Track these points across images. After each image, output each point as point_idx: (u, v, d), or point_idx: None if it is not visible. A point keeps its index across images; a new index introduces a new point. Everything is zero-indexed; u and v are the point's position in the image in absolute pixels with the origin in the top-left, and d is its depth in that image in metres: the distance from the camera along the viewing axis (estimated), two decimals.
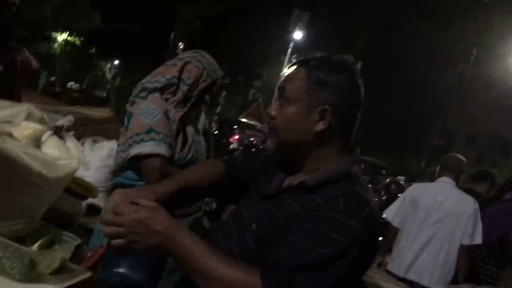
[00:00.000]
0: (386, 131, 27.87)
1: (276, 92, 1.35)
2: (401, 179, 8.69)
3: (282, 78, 1.31)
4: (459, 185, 3.46)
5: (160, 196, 1.26)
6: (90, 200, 4.00)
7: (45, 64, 34.12)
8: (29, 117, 1.25)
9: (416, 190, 3.62)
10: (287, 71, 1.30)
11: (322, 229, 1.08)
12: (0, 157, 0.98)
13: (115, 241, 1.05)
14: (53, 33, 27.01)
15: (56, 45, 31.11)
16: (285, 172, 1.31)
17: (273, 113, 1.27)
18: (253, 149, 8.95)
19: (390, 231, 3.54)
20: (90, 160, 4.22)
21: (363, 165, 10.01)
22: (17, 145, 1.04)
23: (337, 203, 1.12)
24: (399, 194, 6.80)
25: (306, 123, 1.21)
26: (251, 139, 11.16)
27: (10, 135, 1.13)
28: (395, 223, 3.50)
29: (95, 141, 4.40)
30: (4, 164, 0.99)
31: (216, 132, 9.72)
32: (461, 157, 3.62)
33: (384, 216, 3.66)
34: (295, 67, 1.27)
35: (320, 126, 1.21)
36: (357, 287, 1.20)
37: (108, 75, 39.08)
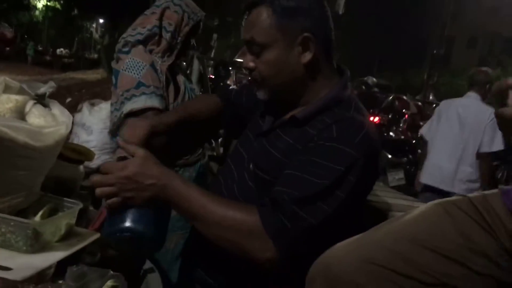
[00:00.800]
0: (386, 48, 27.43)
1: (244, 46, 1.24)
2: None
3: (243, 29, 1.19)
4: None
5: (159, 128, 1.23)
6: (98, 161, 4.05)
7: (30, 34, 33.58)
8: (7, 89, 1.21)
9: (444, 105, 3.91)
10: (245, 19, 1.19)
11: (317, 159, 1.06)
12: None
13: (110, 201, 1.05)
14: (31, 0, 26.29)
15: (37, 12, 30.39)
16: (279, 108, 1.27)
17: (251, 64, 1.19)
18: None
19: (425, 146, 3.88)
20: (91, 124, 4.21)
21: (363, 86, 9.89)
22: None
23: (330, 132, 1.09)
24: (404, 110, 6.80)
25: (292, 59, 1.15)
26: (249, 78, 11.00)
27: None
28: (427, 137, 3.83)
29: (92, 104, 4.38)
30: None
31: (212, 76, 9.60)
32: (485, 69, 3.79)
33: (419, 133, 4.13)
34: (252, 10, 1.16)
35: (307, 56, 1.14)
36: (361, 209, 1.20)
37: (96, 35, 38.33)
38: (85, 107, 4.31)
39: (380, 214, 1.33)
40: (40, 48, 33.47)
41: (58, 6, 29.30)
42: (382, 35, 26.95)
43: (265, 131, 1.25)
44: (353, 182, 1.06)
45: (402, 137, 5.69)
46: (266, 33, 1.14)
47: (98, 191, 1.06)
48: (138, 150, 1.09)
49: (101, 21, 35.91)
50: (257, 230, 1.03)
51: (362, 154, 1.08)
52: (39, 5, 29.01)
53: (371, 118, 6.49)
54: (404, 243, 0.75)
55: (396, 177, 4.49)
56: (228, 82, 10.21)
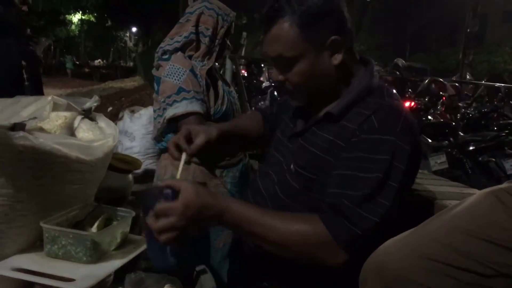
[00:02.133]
0: (418, 30, 26.69)
1: (270, 63, 1.19)
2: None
3: (266, 46, 1.16)
4: None
5: (212, 136, 1.24)
6: (143, 166, 4.13)
7: (68, 48, 34.67)
8: (55, 107, 1.26)
9: None
10: (264, 35, 1.15)
11: (365, 154, 1.06)
12: (38, 153, 1.00)
13: (166, 238, 1.00)
14: (67, 16, 27.14)
15: (73, 26, 31.37)
16: (310, 108, 1.27)
17: (281, 78, 1.18)
18: None
19: None
20: (133, 131, 4.33)
21: (397, 72, 9.65)
22: (50, 137, 1.05)
23: (371, 123, 1.09)
24: (441, 92, 6.61)
25: (324, 64, 1.14)
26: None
27: (41, 129, 1.16)
28: None
29: (133, 111, 4.50)
30: (44, 159, 1.02)
31: (245, 74, 9.63)
32: None
33: None
34: (272, 25, 1.12)
35: (338, 57, 1.14)
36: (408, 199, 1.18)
37: (130, 44, 39.14)
38: (126, 114, 4.43)
39: (428, 203, 1.31)
40: (77, 62, 34.52)
41: (92, 18, 30.11)
42: (413, 17, 26.24)
43: (300, 131, 1.25)
44: (402, 169, 1.06)
45: (441, 120, 5.54)
46: (294, 47, 1.11)
47: (164, 237, 0.99)
48: (187, 186, 1.03)
49: (134, 29, 36.64)
50: (326, 240, 1.03)
51: (404, 140, 1.07)
52: (75, 19, 29.89)
53: (407, 103, 6.35)
54: (458, 235, 0.73)
55: (438, 161, 4.37)
56: (261, 78, 10.22)
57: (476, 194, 0.79)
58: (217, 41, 2.11)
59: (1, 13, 2.88)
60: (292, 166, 1.19)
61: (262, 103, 7.49)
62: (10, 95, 1.32)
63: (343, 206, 1.04)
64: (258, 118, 1.53)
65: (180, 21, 2.17)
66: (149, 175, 3.29)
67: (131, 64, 31.34)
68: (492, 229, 0.72)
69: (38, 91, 3.08)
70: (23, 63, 2.86)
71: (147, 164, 4.11)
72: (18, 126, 0.97)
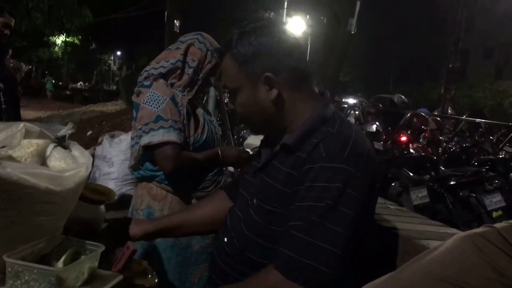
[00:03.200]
0: (401, 64, 27.33)
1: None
2: (423, 111, 8.52)
3: (220, 76, 1.32)
4: None
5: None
6: (119, 192, 4.03)
7: (50, 69, 34.44)
8: (27, 134, 1.22)
9: None
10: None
11: (313, 183, 1.08)
12: (4, 184, 0.96)
13: None
14: (50, 38, 27.08)
15: (56, 48, 31.29)
16: (270, 145, 1.31)
17: (232, 107, 1.29)
18: None
19: None
20: (112, 156, 4.27)
21: (380, 105, 9.80)
22: (18, 167, 1.01)
23: (318, 151, 1.11)
24: (423, 127, 6.70)
25: (260, 99, 1.21)
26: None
27: (10, 158, 1.12)
28: None
29: (112, 136, 4.44)
30: (11, 189, 0.97)
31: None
32: None
33: None
34: (221, 60, 1.27)
35: (273, 93, 1.19)
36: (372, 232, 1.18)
37: (114, 68, 39.16)
38: (105, 139, 4.37)
39: (406, 242, 1.29)
40: (60, 83, 34.28)
41: (76, 41, 30.07)
42: (396, 51, 26.89)
43: (262, 166, 1.28)
44: (354, 195, 1.06)
45: (423, 154, 5.60)
46: (233, 79, 1.24)
47: None
48: None
49: (118, 53, 36.70)
50: (279, 281, 1.06)
51: (354, 166, 1.08)
52: (58, 41, 29.82)
53: (401, 137, 6.42)
54: (433, 281, 0.72)
55: (420, 195, 4.38)
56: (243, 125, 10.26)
57: (452, 238, 0.77)
58: (201, 75, 2.11)
59: None
60: (254, 200, 1.22)
61: (244, 131, 7.49)
62: None
63: (292, 238, 1.07)
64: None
65: (169, 47, 2.17)
66: (125, 201, 3.21)
67: (114, 87, 31.26)
68: (468, 275, 0.71)
69: (15, 114, 3.03)
70: (1, 85, 2.81)
71: (124, 190, 4.04)
72: None
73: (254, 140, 6.12)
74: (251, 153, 2.27)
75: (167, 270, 1.99)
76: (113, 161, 4.19)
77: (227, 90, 1.29)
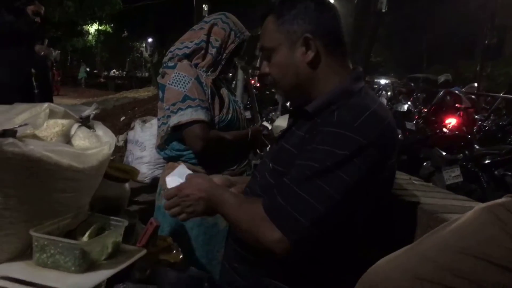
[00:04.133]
0: (435, 42, 26.55)
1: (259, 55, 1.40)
2: (456, 89, 8.27)
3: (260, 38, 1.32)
4: None
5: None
6: (152, 176, 4.10)
7: (85, 58, 35.16)
8: (52, 114, 1.26)
9: None
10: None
11: (318, 146, 1.09)
12: (28, 160, 0.99)
13: (181, 217, 1.30)
14: (84, 27, 27.60)
15: (90, 37, 31.88)
16: (295, 114, 1.35)
17: (266, 70, 1.29)
18: None
19: None
20: (144, 140, 4.35)
21: (412, 83, 9.56)
22: (41, 144, 1.04)
23: (331, 117, 1.12)
24: (457, 105, 6.51)
25: (296, 60, 1.22)
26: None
27: (35, 136, 1.15)
28: None
29: (144, 121, 4.51)
30: (34, 166, 1.00)
31: (258, 85, 9.63)
32: None
33: None
34: (262, 22, 1.29)
35: (310, 55, 1.20)
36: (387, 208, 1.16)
37: (145, 54, 39.59)
38: (137, 124, 4.45)
39: (429, 216, 1.26)
40: (95, 71, 34.99)
41: (109, 29, 30.53)
42: (430, 29, 26.09)
43: (283, 132, 1.33)
44: (360, 167, 1.06)
45: (456, 132, 5.45)
46: (272, 37, 1.25)
47: (170, 213, 1.31)
48: (192, 175, 1.36)
49: (149, 40, 37.06)
50: (259, 215, 1.10)
51: (363, 136, 1.07)
52: (92, 30, 30.36)
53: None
54: (451, 253, 0.70)
55: (452, 174, 4.28)
56: (274, 90, 10.21)
57: (472, 210, 0.75)
58: (224, 55, 2.11)
59: (13, 22, 2.92)
60: (270, 164, 1.26)
61: (273, 113, 7.47)
62: (18, 101, 1.32)
63: (282, 184, 1.10)
64: None
65: (193, 27, 2.17)
66: (157, 184, 3.28)
67: (146, 74, 31.66)
68: (487, 247, 0.68)
69: (47, 99, 3.11)
70: (33, 71, 2.89)
71: (156, 173, 4.11)
72: (8, 133, 0.96)
73: (282, 122, 6.10)
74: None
75: (195, 248, 2.02)
76: (145, 145, 4.27)
77: (262, 53, 1.30)
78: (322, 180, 1.05)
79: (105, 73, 33.47)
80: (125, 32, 33.33)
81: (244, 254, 1.26)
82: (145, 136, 4.27)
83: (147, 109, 9.51)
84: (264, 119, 6.23)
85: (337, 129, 1.08)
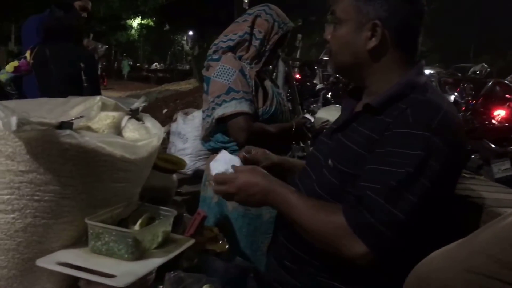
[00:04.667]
0: (482, 33, 25.55)
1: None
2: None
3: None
4: None
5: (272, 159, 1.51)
6: (194, 167, 4.19)
7: (128, 52, 35.89)
8: (104, 107, 1.30)
9: None
10: None
11: (394, 149, 1.04)
12: (83, 151, 1.03)
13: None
14: (127, 21, 28.21)
15: (133, 31, 32.59)
16: (351, 104, 1.29)
17: (327, 37, 1.25)
18: (340, 85, 8.72)
19: None
20: (186, 132, 4.43)
21: (459, 74, 9.25)
22: (96, 136, 1.08)
23: (405, 117, 1.06)
24: (507, 95, 6.26)
25: (358, 42, 1.17)
26: (336, 75, 10.86)
27: (89, 128, 1.20)
28: None
29: (186, 114, 4.59)
30: (89, 157, 1.04)
31: (298, 76, 9.58)
32: None
33: None
34: None
35: (372, 43, 1.15)
36: (452, 204, 1.12)
37: (186, 47, 40.08)
38: (180, 116, 4.53)
39: (481, 210, 1.23)
40: (137, 64, 35.70)
41: (151, 23, 31.06)
42: (478, 18, 25.12)
43: (340, 126, 1.26)
44: (437, 168, 1.02)
45: (506, 124, 5.24)
46: (343, 9, 1.20)
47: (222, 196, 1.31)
48: (245, 166, 1.33)
49: (190, 33, 37.44)
50: (343, 228, 1.05)
51: (441, 137, 1.03)
52: (134, 24, 30.98)
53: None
54: (508, 246, 0.68)
55: (502, 167, 4.13)
56: (315, 81, 10.14)
57: None
58: (268, 46, 2.11)
59: (62, 17, 3.02)
60: (330, 161, 1.20)
61: (314, 105, 7.42)
62: (70, 95, 1.37)
63: (367, 197, 1.04)
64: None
65: (237, 20, 2.19)
66: (199, 176, 3.33)
67: (187, 67, 32.08)
68: None
69: (96, 93, 3.20)
70: (82, 65, 2.98)
71: (198, 165, 4.18)
72: (65, 125, 1.00)
73: (324, 114, 6.05)
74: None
75: (239, 239, 2.05)
76: (187, 137, 4.34)
77: (330, 16, 1.26)
78: (407, 190, 1.01)
79: (148, 66, 34.12)
80: (167, 25, 33.81)
81: (300, 255, 1.23)
82: (187, 128, 4.35)
83: (188, 101, 9.66)
84: (305, 110, 6.20)
85: (414, 130, 1.04)
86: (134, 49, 39.00)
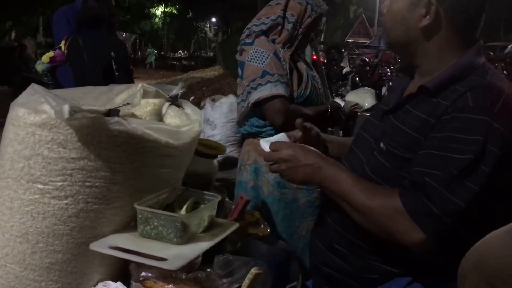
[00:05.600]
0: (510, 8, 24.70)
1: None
2: None
3: None
4: None
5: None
6: (225, 154, 4.23)
7: (152, 40, 36.13)
8: (145, 94, 1.31)
9: None
10: None
11: (455, 134, 1.01)
12: (131, 138, 1.04)
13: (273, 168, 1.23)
14: (151, 10, 28.36)
15: (157, 19, 32.76)
16: (403, 85, 1.25)
17: (384, 10, 1.22)
18: (367, 68, 8.60)
19: None
20: (215, 119, 4.45)
21: (491, 53, 8.98)
22: (142, 122, 1.10)
23: (465, 101, 1.03)
24: None
25: (411, 19, 1.13)
26: (363, 57, 10.72)
27: (133, 115, 1.21)
28: None
29: (213, 100, 4.61)
30: (137, 143, 1.06)
31: (325, 60, 9.48)
32: None
33: None
34: None
35: (426, 21, 1.11)
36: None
37: (210, 34, 40.11)
38: (207, 103, 4.55)
39: None
40: (162, 53, 35.95)
41: (174, 11, 31.15)
42: None
43: (392, 108, 1.22)
44: (496, 153, 0.99)
45: None
46: None
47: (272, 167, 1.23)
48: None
49: (213, 20, 37.42)
50: (399, 213, 1.03)
51: (502, 122, 1.00)
52: (158, 12, 31.11)
53: None
54: None
55: None
56: (342, 64, 10.02)
57: None
58: (300, 29, 2.09)
59: (96, 7, 3.06)
60: (382, 144, 1.17)
61: (343, 89, 7.35)
62: (103, 85, 1.39)
63: (426, 184, 1.01)
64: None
65: (270, 3, 2.17)
66: (230, 162, 3.35)
67: (211, 54, 32.12)
68: None
69: (128, 81, 3.24)
70: (113, 54, 3.01)
71: (227, 152, 4.20)
72: (113, 112, 1.02)
73: (354, 97, 6.00)
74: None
75: (276, 223, 2.06)
76: (216, 123, 4.36)
77: None
78: (467, 178, 0.99)
79: (172, 54, 34.33)
80: (190, 13, 33.82)
81: (350, 238, 1.21)
82: (215, 115, 4.37)
83: (215, 88, 9.69)
84: (334, 94, 6.15)
85: (475, 115, 1.01)
86: (158, 38, 39.24)
